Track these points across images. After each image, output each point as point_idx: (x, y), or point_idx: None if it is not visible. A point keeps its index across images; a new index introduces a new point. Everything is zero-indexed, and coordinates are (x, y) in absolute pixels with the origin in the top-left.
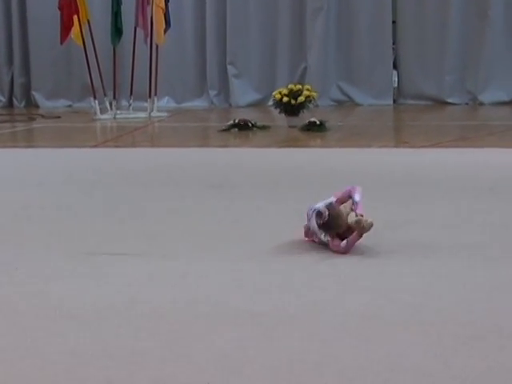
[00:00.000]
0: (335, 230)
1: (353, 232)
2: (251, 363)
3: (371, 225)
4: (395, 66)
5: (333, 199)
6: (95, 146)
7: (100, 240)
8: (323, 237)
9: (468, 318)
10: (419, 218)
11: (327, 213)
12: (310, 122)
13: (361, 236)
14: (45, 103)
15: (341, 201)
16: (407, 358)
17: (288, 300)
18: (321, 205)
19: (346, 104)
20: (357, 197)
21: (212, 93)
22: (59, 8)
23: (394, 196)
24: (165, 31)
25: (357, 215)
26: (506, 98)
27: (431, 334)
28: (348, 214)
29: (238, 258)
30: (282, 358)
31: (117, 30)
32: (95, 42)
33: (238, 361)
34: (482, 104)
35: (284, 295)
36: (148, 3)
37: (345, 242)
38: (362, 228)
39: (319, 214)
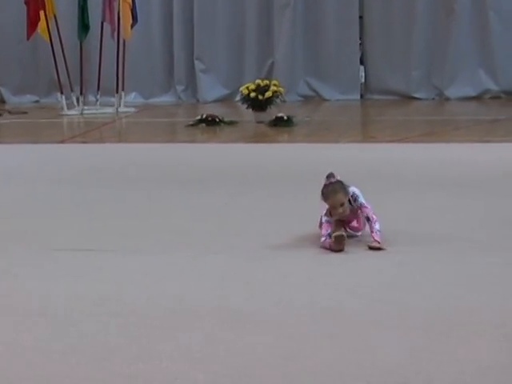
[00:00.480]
0: (325, 201)
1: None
2: (219, 359)
3: (338, 249)
4: (362, 62)
5: (357, 194)
6: (62, 142)
7: (68, 236)
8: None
9: (437, 313)
10: (385, 213)
11: (334, 180)
12: (277, 118)
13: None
14: (11, 99)
15: (362, 209)
16: (375, 353)
17: (256, 296)
18: (352, 188)
19: (313, 99)
20: (377, 226)
21: (179, 88)
22: (25, 3)
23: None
24: (132, 26)
25: (373, 240)
26: (472, 93)
27: (399, 329)
28: (342, 204)
29: (205, 254)
30: (250, 354)
31: (84, 26)
32: (62, 38)
33: (205, 357)
34: (448, 99)
35: (252, 291)
36: None
37: (323, 239)
38: (334, 244)
39: (332, 174)
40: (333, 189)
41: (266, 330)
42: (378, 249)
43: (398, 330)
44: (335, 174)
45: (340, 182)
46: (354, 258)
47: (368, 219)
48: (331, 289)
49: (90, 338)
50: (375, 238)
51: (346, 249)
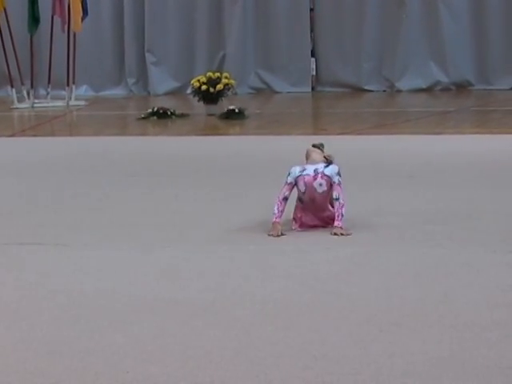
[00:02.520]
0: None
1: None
2: (170, 351)
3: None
4: (313, 54)
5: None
6: (12, 136)
7: (17, 230)
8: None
9: (386, 304)
10: None
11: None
12: (228, 110)
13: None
14: None
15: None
16: (327, 344)
17: (207, 288)
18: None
19: (264, 92)
20: (343, 210)
21: (130, 81)
22: None
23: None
24: (82, 19)
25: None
26: (422, 85)
27: (350, 321)
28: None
29: (156, 247)
30: (201, 346)
31: (34, 19)
32: (12, 31)
33: (157, 349)
34: (399, 91)
35: (203, 283)
36: None
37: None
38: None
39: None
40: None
41: (218, 322)
42: (341, 235)
43: (348, 321)
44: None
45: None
46: (306, 249)
47: (337, 199)
48: (283, 281)
49: (41, 332)
50: (339, 224)
51: (297, 241)
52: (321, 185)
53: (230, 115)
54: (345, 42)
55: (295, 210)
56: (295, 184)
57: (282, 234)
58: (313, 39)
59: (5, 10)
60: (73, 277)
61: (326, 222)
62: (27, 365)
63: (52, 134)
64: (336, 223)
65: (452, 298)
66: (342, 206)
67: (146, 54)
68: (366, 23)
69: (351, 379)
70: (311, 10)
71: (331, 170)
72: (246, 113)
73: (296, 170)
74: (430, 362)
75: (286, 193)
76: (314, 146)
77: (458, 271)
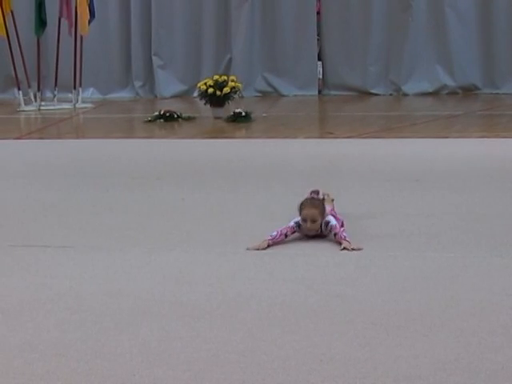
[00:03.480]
0: (300, 210)
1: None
2: (176, 354)
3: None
4: (320, 57)
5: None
6: (19, 138)
7: (25, 232)
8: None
9: (392, 307)
10: (343, 209)
11: (317, 197)
12: (235, 113)
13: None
14: None
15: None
16: (333, 347)
17: (213, 291)
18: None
19: (270, 95)
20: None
21: (137, 84)
22: None
23: (319, 187)
24: (89, 22)
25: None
26: (429, 89)
27: (357, 324)
28: (314, 220)
29: (162, 250)
30: (207, 349)
31: (41, 21)
32: (19, 33)
33: (162, 352)
34: (405, 95)
35: (209, 286)
36: None
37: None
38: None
39: (317, 191)
40: (312, 203)
41: (225, 326)
42: (353, 249)
43: (354, 324)
44: (319, 192)
45: (322, 202)
46: (311, 253)
47: (335, 235)
48: (289, 284)
49: (47, 334)
50: (346, 239)
51: (303, 245)
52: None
53: (237, 118)
54: (351, 46)
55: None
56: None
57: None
58: (319, 43)
59: (12, 12)
60: (79, 279)
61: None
62: (33, 367)
63: (58, 136)
64: (344, 242)
65: (458, 301)
66: (343, 231)
67: (153, 57)
68: (373, 27)
69: (358, 383)
70: (318, 13)
71: (326, 227)
72: (252, 116)
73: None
74: (436, 366)
75: (289, 233)
76: (312, 194)
77: (463, 275)
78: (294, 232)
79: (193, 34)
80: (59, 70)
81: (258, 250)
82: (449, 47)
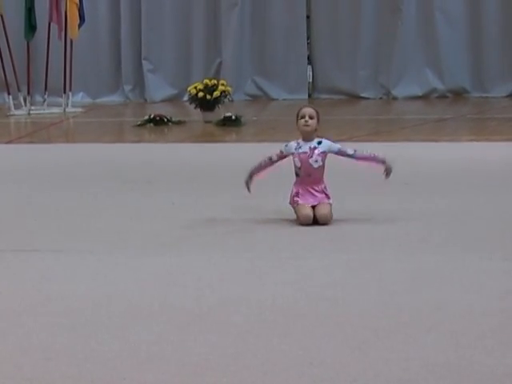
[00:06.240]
0: (298, 112)
1: None
2: (167, 358)
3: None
4: (310, 61)
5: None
6: (9, 142)
7: (13, 236)
8: None
9: (382, 310)
10: (334, 213)
11: None
12: (225, 117)
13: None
14: None
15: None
16: (323, 350)
17: (203, 294)
18: None
19: (260, 99)
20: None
21: (127, 88)
22: None
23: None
24: (79, 26)
25: None
26: (418, 93)
27: (347, 328)
28: (311, 117)
29: (152, 253)
30: (198, 353)
31: (30, 26)
32: (8, 38)
33: (153, 356)
34: (395, 98)
35: (199, 290)
36: None
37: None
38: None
39: None
40: (309, 106)
41: (215, 329)
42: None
43: (345, 328)
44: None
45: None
46: (302, 256)
47: (355, 151)
48: (279, 287)
49: (37, 338)
50: (384, 161)
51: (293, 247)
52: (316, 161)
53: (227, 122)
54: (341, 49)
55: (293, 185)
56: (287, 157)
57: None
58: (309, 46)
59: (1, 16)
60: (69, 283)
61: (325, 194)
62: (23, 372)
63: (49, 140)
64: (381, 165)
65: (448, 304)
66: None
67: (143, 61)
68: (362, 30)
69: None
70: (307, 17)
71: (325, 146)
72: (242, 120)
73: (292, 146)
74: (426, 369)
75: (274, 156)
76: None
77: (453, 278)
78: (281, 157)
79: (183, 38)
80: (49, 74)
81: (247, 187)
82: (438, 51)
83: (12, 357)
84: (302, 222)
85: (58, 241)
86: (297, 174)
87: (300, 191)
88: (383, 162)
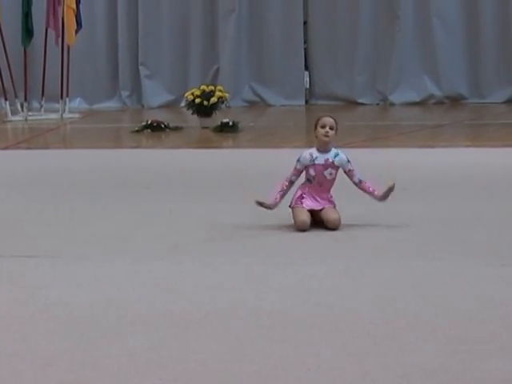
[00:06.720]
0: (317, 122)
1: None
2: (164, 364)
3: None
4: (307, 67)
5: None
6: (6, 148)
7: (11, 242)
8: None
9: (380, 316)
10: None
11: None
12: (222, 123)
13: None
14: None
15: None
16: (321, 356)
17: (201, 300)
18: None
19: (258, 105)
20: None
21: (124, 94)
22: None
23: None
24: (76, 32)
25: None
26: (416, 99)
27: (344, 333)
28: (331, 127)
29: (149, 259)
30: (195, 359)
31: (27, 31)
32: (5, 43)
33: (150, 362)
34: (392, 104)
35: (196, 296)
36: (59, 4)
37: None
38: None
39: None
40: (328, 115)
41: (212, 335)
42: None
43: (343, 333)
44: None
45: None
46: (299, 262)
47: (361, 181)
48: (276, 294)
49: (34, 344)
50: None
51: (291, 254)
52: (331, 174)
53: (224, 128)
54: (338, 55)
55: (298, 188)
56: (304, 170)
57: (266, 207)
58: (306, 52)
59: None
60: (66, 289)
61: (329, 202)
62: (21, 378)
63: (46, 146)
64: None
65: (446, 310)
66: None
67: (140, 67)
68: (360, 36)
69: None
70: (304, 23)
71: (341, 160)
72: (239, 126)
73: (307, 159)
74: (424, 375)
75: (293, 177)
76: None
77: (451, 284)
78: (299, 171)
79: (180, 44)
80: (46, 80)
81: (264, 207)
82: (436, 57)
83: (10, 363)
84: (298, 227)
85: (55, 247)
86: (309, 181)
87: (304, 195)
88: (380, 198)
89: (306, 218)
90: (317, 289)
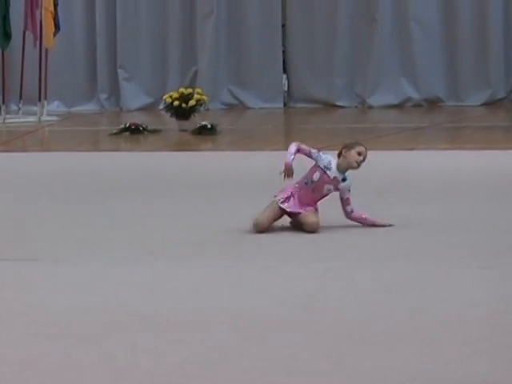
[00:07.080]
0: (353, 146)
1: None
2: (144, 367)
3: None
4: (285, 70)
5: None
6: None
7: None
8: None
9: (359, 319)
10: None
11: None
12: (201, 126)
13: None
14: None
15: None
16: (300, 359)
17: (181, 303)
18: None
19: (236, 107)
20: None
21: (102, 96)
22: None
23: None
24: (54, 35)
25: None
26: (394, 101)
27: (324, 336)
28: (365, 157)
29: (127, 262)
30: (175, 362)
31: (5, 34)
32: None
33: (130, 365)
34: (371, 107)
35: (177, 298)
36: (37, 7)
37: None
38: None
39: None
40: (365, 146)
41: (192, 338)
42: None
43: (322, 336)
44: None
45: None
46: (279, 265)
47: (352, 211)
48: (256, 296)
49: (15, 347)
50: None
51: (271, 256)
52: (329, 190)
53: (203, 131)
54: (317, 58)
55: (292, 187)
56: (312, 161)
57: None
58: (285, 55)
59: None
60: (45, 292)
61: (313, 208)
62: (1, 380)
63: (24, 149)
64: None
65: (423, 313)
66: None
67: (118, 70)
68: (338, 39)
69: None
70: (283, 26)
71: (345, 186)
72: (218, 128)
73: (323, 161)
74: (402, 377)
75: (303, 146)
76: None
77: (429, 287)
78: (308, 153)
79: (158, 47)
80: (24, 83)
81: (289, 177)
82: (413, 60)
83: None
84: (257, 219)
85: (34, 250)
86: (306, 183)
87: (292, 197)
88: (370, 223)
89: (265, 219)
90: (295, 291)
